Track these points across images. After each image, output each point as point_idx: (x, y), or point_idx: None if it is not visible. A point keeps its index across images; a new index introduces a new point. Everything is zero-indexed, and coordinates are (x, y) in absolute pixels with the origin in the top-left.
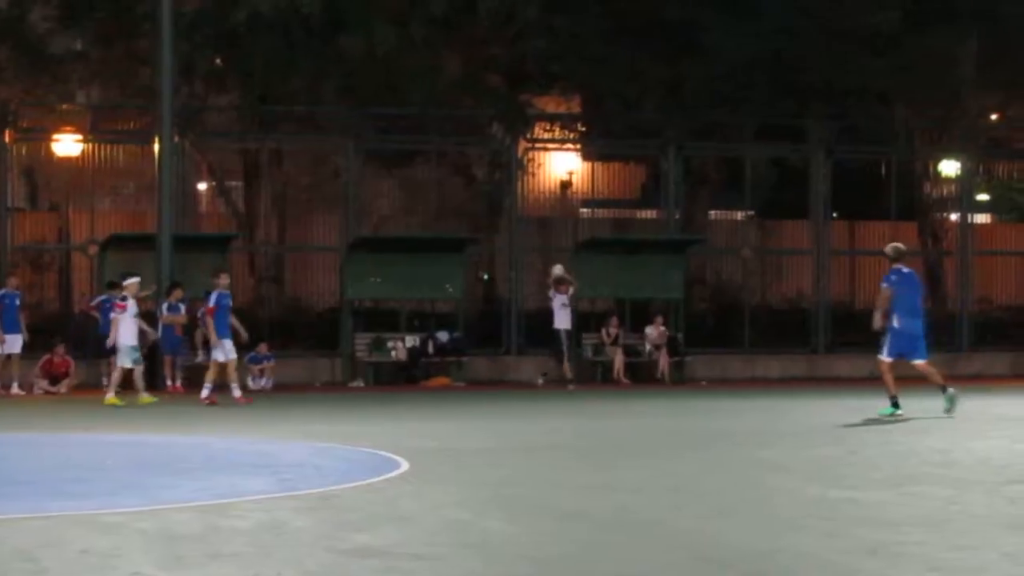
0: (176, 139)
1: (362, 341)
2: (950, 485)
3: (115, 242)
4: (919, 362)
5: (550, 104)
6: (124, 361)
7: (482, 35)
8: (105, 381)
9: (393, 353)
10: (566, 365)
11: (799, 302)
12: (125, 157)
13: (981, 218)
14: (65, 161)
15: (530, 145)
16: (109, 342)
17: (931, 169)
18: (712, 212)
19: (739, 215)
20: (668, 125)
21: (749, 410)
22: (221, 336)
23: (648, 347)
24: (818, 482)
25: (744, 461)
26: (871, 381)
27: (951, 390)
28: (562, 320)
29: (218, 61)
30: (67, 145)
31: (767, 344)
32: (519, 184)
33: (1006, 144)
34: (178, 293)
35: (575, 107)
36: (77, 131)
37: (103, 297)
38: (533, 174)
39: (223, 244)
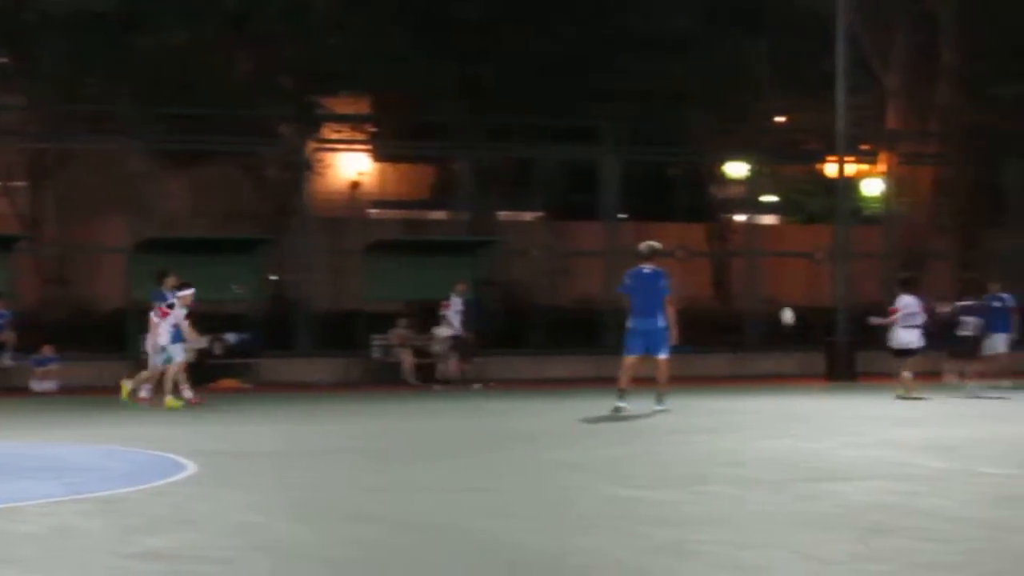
0: None
1: None
2: (739, 484)
3: None
4: (659, 358)
5: (340, 105)
6: (156, 361)
7: (273, 35)
8: None
9: None
10: (450, 365)
11: (589, 303)
12: None
13: (768, 219)
14: None
15: (320, 145)
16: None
17: (719, 171)
18: (503, 213)
19: (530, 216)
20: (459, 126)
21: (541, 411)
22: (176, 339)
23: (437, 348)
24: (611, 482)
25: (537, 461)
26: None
27: (622, 403)
28: (458, 325)
29: (5, 60)
30: None
31: (557, 345)
32: (309, 185)
33: (793, 147)
34: None
35: (365, 108)
36: None
37: None
38: (322, 174)
39: (7, 245)
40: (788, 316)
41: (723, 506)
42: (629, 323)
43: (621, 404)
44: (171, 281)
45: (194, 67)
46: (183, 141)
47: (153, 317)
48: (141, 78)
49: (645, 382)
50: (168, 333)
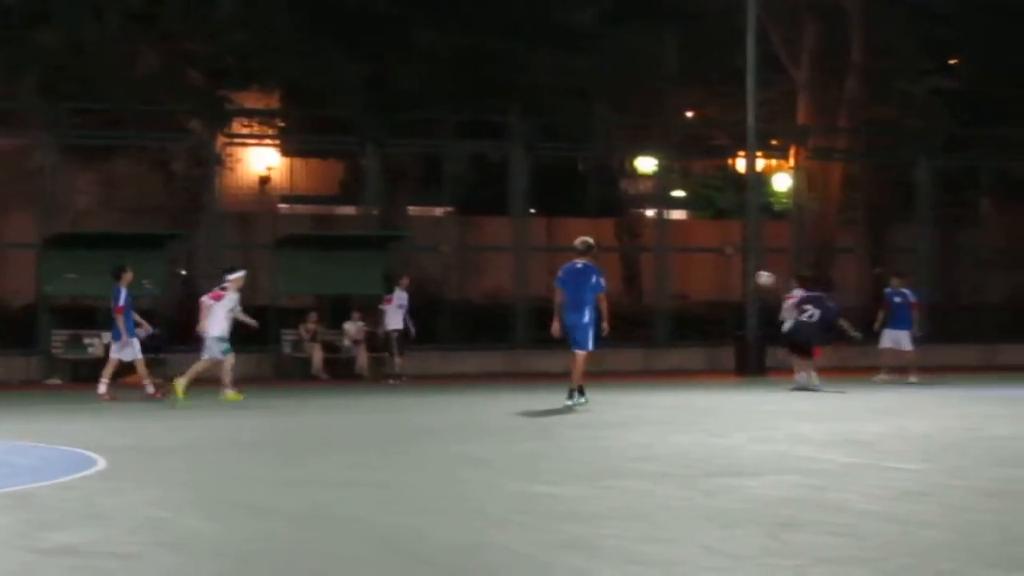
0: None
1: (59, 338)
2: (649, 479)
3: None
4: (577, 352)
5: (249, 99)
6: (213, 352)
7: (180, 29)
8: None
9: (90, 350)
10: (398, 360)
11: (499, 298)
12: None
13: (678, 215)
14: None
15: (229, 140)
16: (201, 330)
17: (629, 166)
18: (412, 208)
19: (439, 211)
20: (367, 121)
21: (451, 406)
22: (130, 335)
23: (347, 343)
24: (520, 477)
25: (446, 457)
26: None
27: (580, 397)
28: (397, 320)
29: None
30: None
31: (467, 340)
32: (219, 180)
33: (702, 142)
34: None
35: (274, 103)
36: None
37: None
38: (232, 169)
39: None
40: (765, 278)
41: (633, 501)
42: (563, 318)
43: (579, 398)
44: (127, 276)
45: (101, 62)
46: (91, 136)
47: (206, 301)
48: (47, 73)
49: (561, 377)
50: (227, 322)
